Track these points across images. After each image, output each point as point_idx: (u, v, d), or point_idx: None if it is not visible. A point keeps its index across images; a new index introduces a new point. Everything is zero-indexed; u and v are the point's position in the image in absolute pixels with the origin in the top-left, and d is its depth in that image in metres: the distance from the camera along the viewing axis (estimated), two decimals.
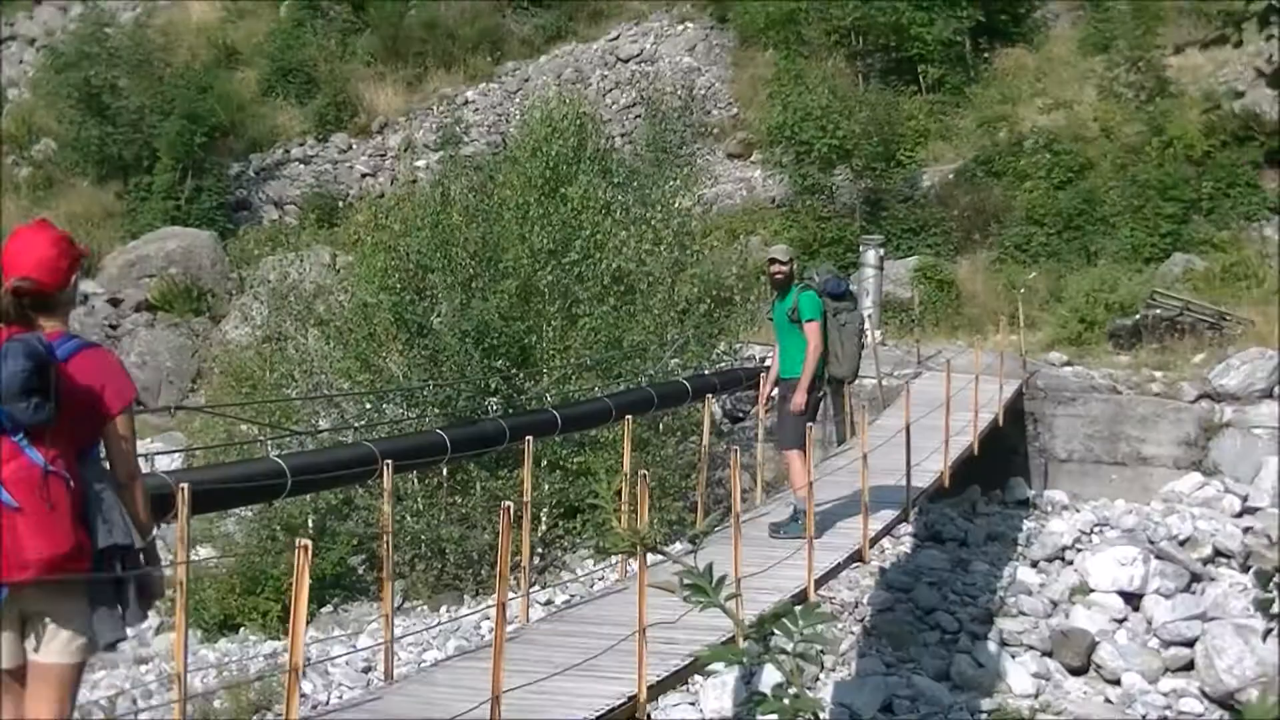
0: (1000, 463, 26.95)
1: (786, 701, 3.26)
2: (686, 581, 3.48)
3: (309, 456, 12.24)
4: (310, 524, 24.14)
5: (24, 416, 7.03)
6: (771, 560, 15.17)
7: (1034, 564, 24.88)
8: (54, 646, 7.21)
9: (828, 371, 17.85)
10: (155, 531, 7.44)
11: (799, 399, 17.15)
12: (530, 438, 14.57)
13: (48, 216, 33.80)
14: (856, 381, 19.81)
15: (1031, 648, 22.49)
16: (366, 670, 21.48)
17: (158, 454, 27.35)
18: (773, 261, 17.78)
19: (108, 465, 7.58)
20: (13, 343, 7.06)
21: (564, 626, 13.86)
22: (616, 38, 49.30)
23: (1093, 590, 23.61)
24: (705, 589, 3.44)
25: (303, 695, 17.90)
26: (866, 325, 19.16)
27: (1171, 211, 36.03)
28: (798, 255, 19.37)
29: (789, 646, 3.38)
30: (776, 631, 3.40)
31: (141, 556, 7.46)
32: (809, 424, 17.09)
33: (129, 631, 7.60)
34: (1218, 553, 24.42)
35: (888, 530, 19.35)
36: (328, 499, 24.64)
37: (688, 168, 37.45)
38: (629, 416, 16.48)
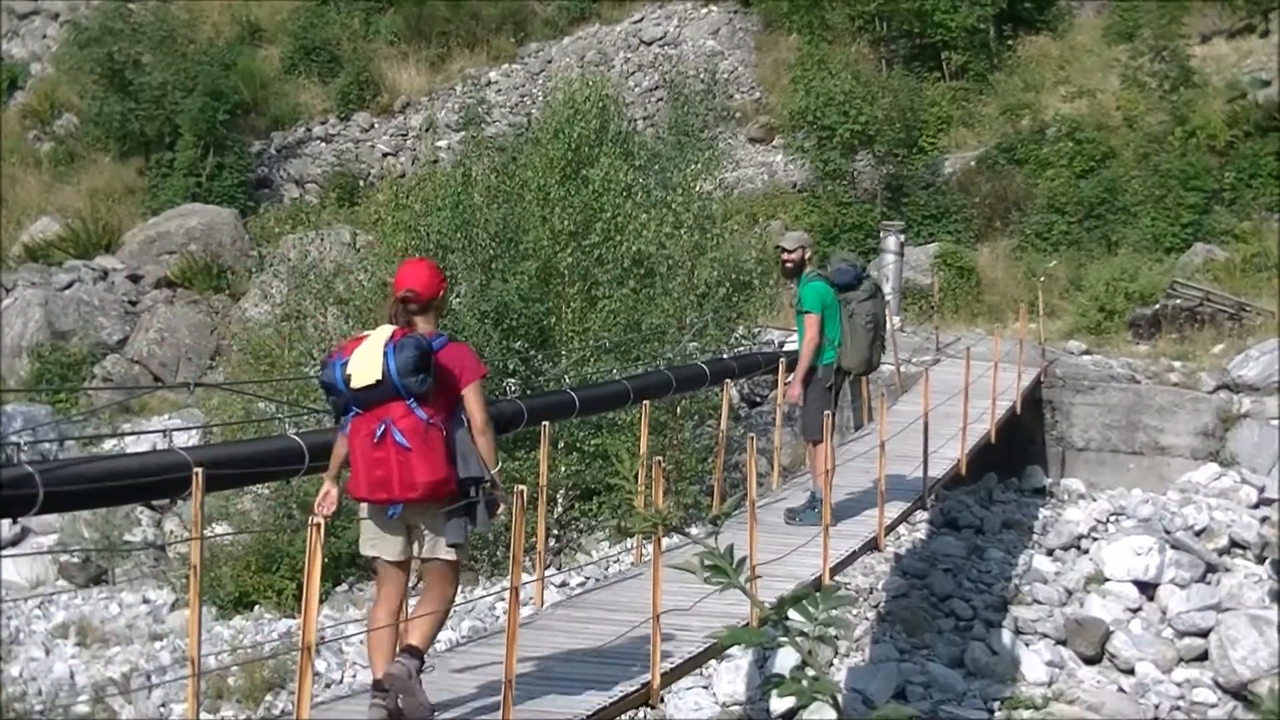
0: (1017, 451, 26.93)
1: (804, 684, 3.24)
2: (707, 563, 3.47)
3: (327, 434, 12.26)
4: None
5: (414, 387, 10.10)
6: (787, 547, 15.15)
7: (1049, 552, 24.86)
8: (432, 548, 10.40)
9: (839, 362, 17.63)
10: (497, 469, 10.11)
11: (792, 391, 17.53)
12: (546, 421, 14.58)
13: (70, 192, 33.91)
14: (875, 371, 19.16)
15: (1046, 636, 22.48)
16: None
17: (176, 430, 27.44)
18: (780, 249, 17.87)
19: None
20: (406, 339, 10.19)
21: (578, 612, 13.82)
22: (640, 20, 49.26)
23: (1108, 579, 23.60)
24: (726, 570, 3.43)
25: (316, 674, 17.89)
26: (887, 314, 18.44)
27: (1193, 201, 36.02)
28: (812, 243, 18.97)
29: (808, 629, 3.36)
30: (795, 614, 3.38)
31: (487, 485, 10.61)
32: (826, 412, 17.05)
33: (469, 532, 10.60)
34: (1234, 543, 24.38)
35: (904, 517, 19.35)
36: (345, 477, 24.63)
37: (709, 151, 37.37)
38: (646, 400, 16.47)
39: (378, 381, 10.03)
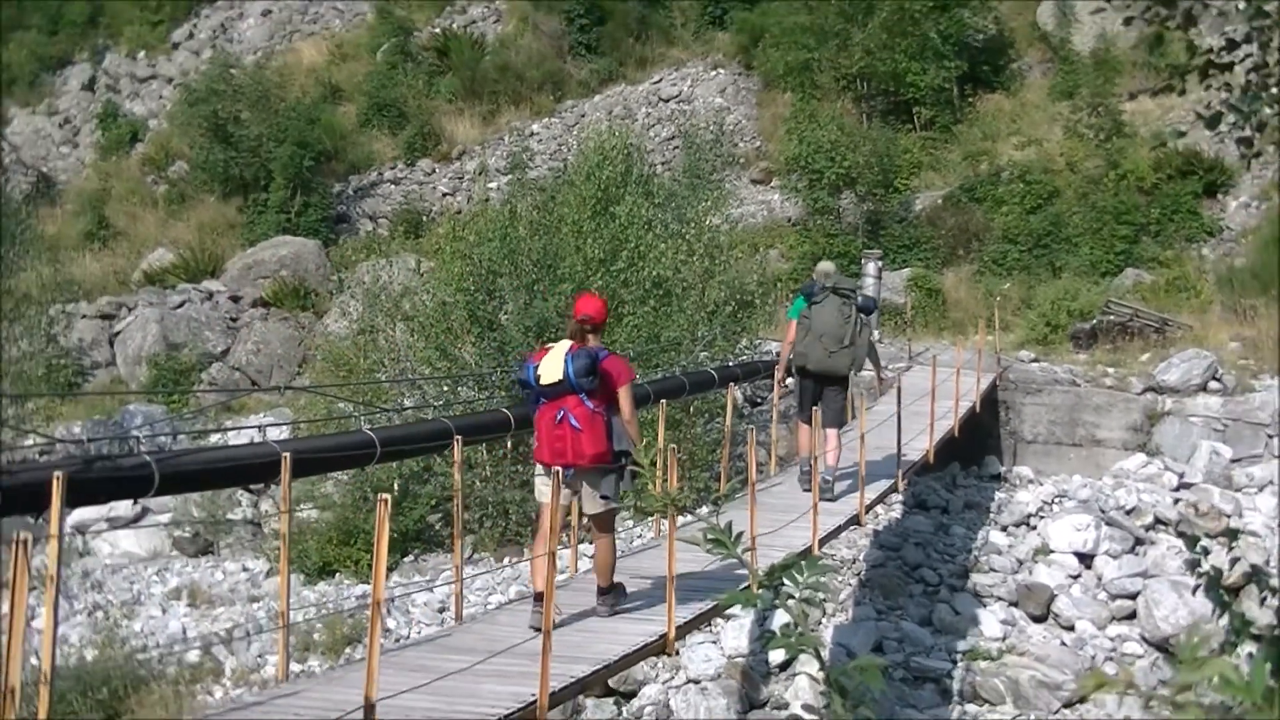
0: (977, 443, 26.93)
1: (794, 639, 3.25)
2: (710, 537, 3.50)
3: (395, 430, 12.31)
4: (395, 487, 24.17)
5: (584, 385, 12.03)
6: (781, 522, 15.19)
7: (1003, 528, 24.84)
8: (593, 503, 12.26)
9: (798, 362, 18.10)
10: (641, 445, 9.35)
11: (777, 377, 19.54)
12: None
13: (181, 226, 33.72)
14: (852, 373, 18.46)
15: (1000, 599, 22.46)
16: (441, 611, 21.51)
17: (269, 425, 27.45)
18: None
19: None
20: (581, 350, 12.16)
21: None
22: (659, 81, 49.26)
23: (1052, 551, 23.58)
24: (725, 543, 3.46)
25: (386, 630, 17.86)
26: (834, 324, 17.90)
27: (1124, 233, 36.02)
28: (827, 270, 18.60)
29: (796, 593, 3.37)
30: (786, 580, 3.39)
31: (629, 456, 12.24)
32: (813, 406, 17.75)
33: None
34: (1158, 520, 24.38)
35: (881, 499, 19.37)
36: (410, 466, 24.68)
37: (717, 191, 37.42)
38: (664, 400, 16.45)
39: (560, 380, 12.02)
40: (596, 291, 26.29)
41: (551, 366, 12.12)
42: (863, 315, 18.29)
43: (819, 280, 18.48)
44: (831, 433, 18.11)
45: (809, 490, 16.73)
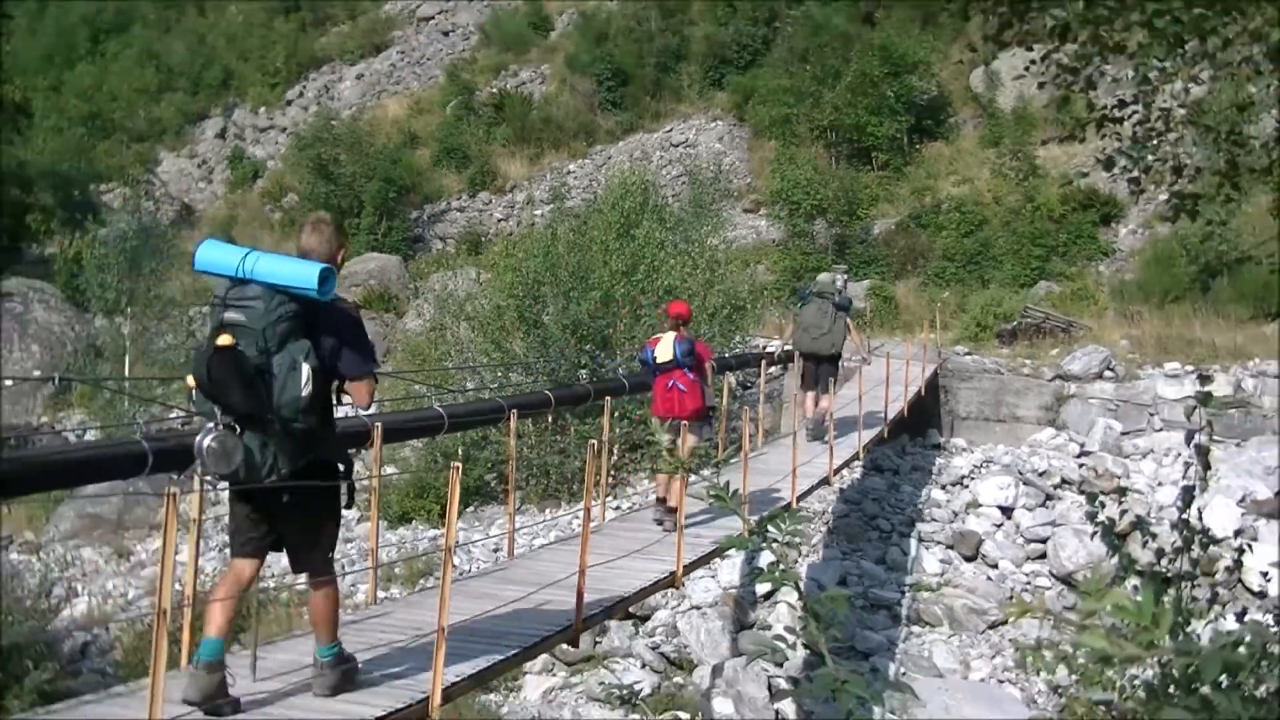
0: (922, 419, 26.90)
1: (778, 575, 3.29)
2: (713, 493, 3.55)
3: (459, 407, 12.38)
4: (460, 451, 24.20)
5: (687, 362, 13.41)
6: (767, 482, 15.22)
7: (943, 487, 24.82)
8: (689, 443, 13.10)
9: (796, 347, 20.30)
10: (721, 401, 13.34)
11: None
12: (608, 397, 14.74)
13: (291, 245, 33.87)
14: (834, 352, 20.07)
15: (939, 543, 22.44)
16: (495, 551, 21.54)
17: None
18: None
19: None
20: (683, 339, 13.60)
21: (627, 524, 13.91)
22: (670, 130, 49.24)
23: (980, 505, 23.56)
24: (724, 498, 3.51)
25: (452, 566, 17.95)
26: (814, 318, 19.23)
27: (1038, 253, 36.00)
28: (829, 280, 21.49)
29: (780, 538, 3.41)
30: (771, 528, 3.42)
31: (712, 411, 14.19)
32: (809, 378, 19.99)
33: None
34: (1063, 481, 24.37)
35: (846, 464, 19.34)
36: (471, 436, 24.73)
37: (716, 218, 37.48)
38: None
39: (670, 359, 13.48)
40: (620, 297, 26.50)
41: (663, 350, 13.58)
42: (840, 311, 19.67)
43: (810, 287, 20.61)
44: (823, 395, 19.72)
45: (813, 440, 19.20)
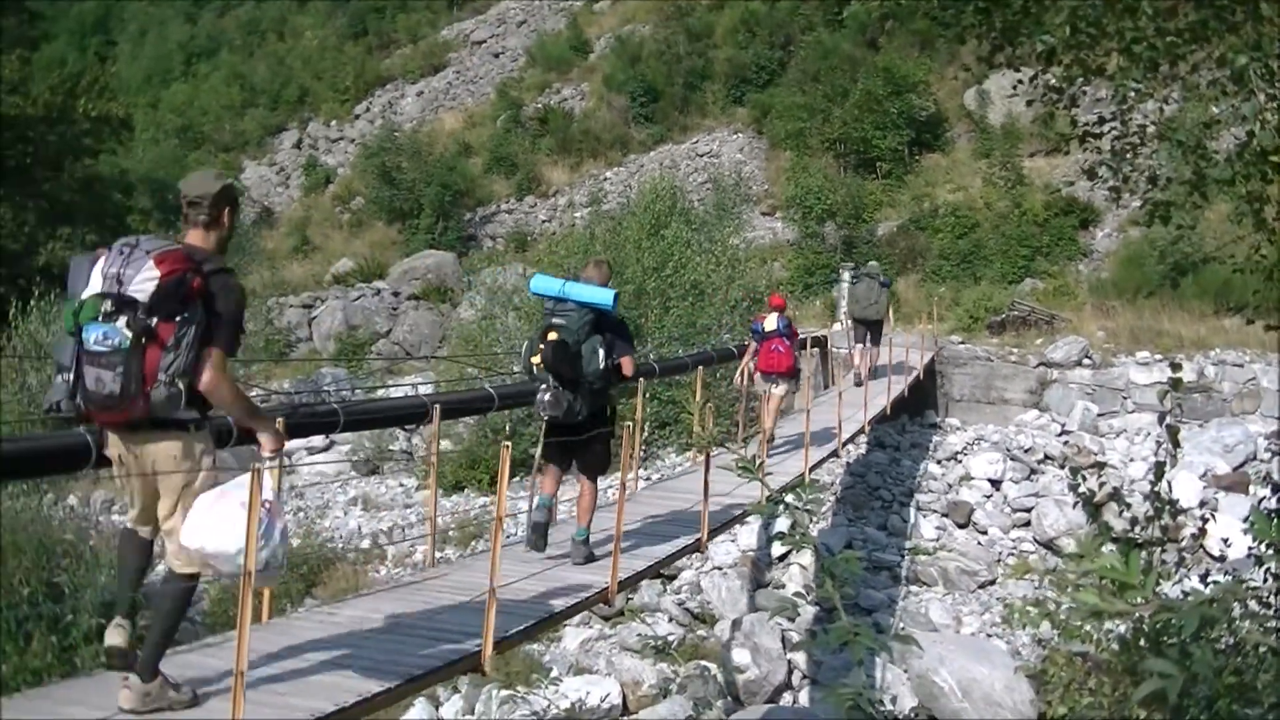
0: (920, 400, 26.87)
1: (798, 538, 3.29)
2: (740, 465, 3.58)
3: (507, 388, 12.38)
4: (507, 428, 24.23)
5: (785, 333, 16.20)
6: (784, 455, 15.22)
7: (938, 461, 24.79)
8: (779, 391, 16.28)
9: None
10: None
11: None
12: (641, 379, 14.65)
13: (359, 243, 33.68)
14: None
15: (935, 511, 22.42)
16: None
17: (419, 384, 27.50)
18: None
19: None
20: (782, 316, 16.39)
21: (658, 494, 13.85)
22: (697, 141, 49.10)
23: (972, 478, 23.53)
24: (751, 469, 3.53)
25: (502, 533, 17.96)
26: (865, 293, 23.29)
27: (1024, 253, 35.82)
28: (874, 269, 24.29)
29: (799, 506, 3.42)
30: (789, 497, 3.44)
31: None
32: (860, 342, 23.29)
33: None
34: (1046, 457, 24.32)
35: (852, 439, 19.32)
36: (517, 413, 24.74)
37: (737, 220, 37.42)
38: (700, 367, 16.48)
39: (774, 330, 16.24)
40: (651, 290, 26.51)
41: (769, 324, 16.37)
42: (883, 288, 23.17)
43: (862, 270, 24.67)
44: (874, 349, 23.32)
45: (859, 385, 21.93)
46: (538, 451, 9.93)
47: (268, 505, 5.63)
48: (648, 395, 23.82)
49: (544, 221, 47.55)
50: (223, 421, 7.03)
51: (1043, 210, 36.91)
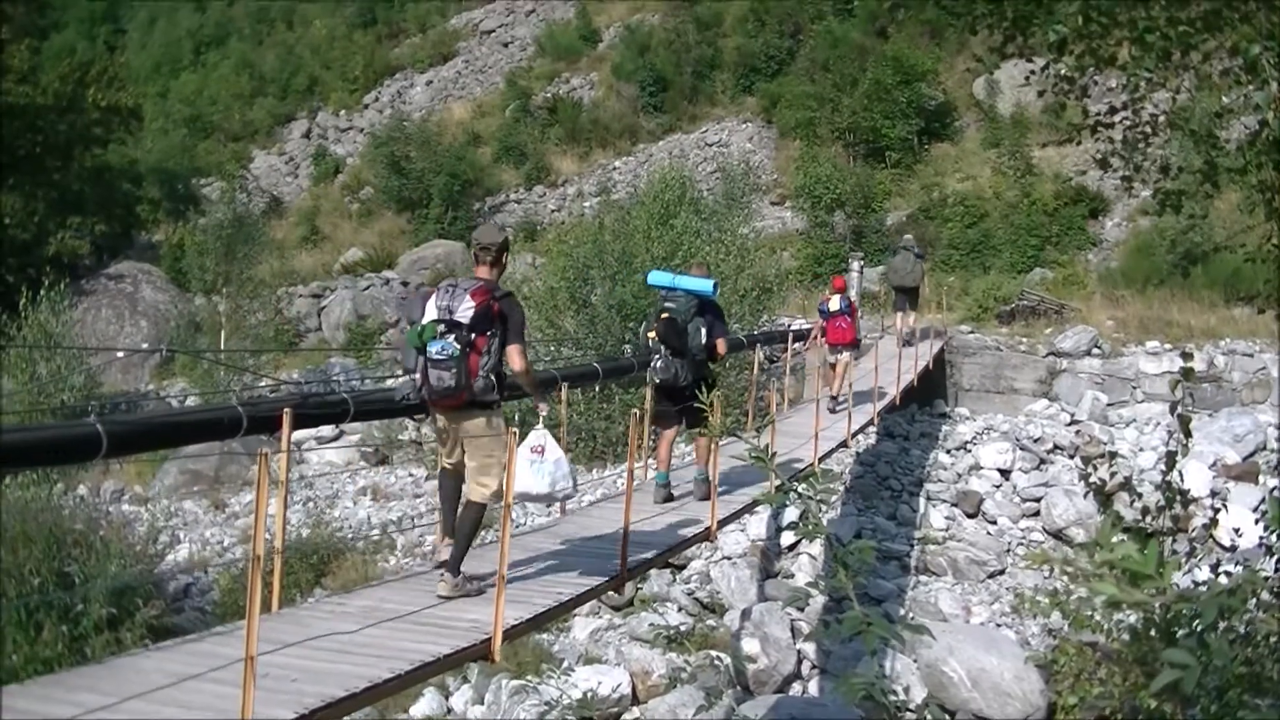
0: (930, 390, 26.83)
1: (810, 528, 3.29)
2: (753, 454, 3.58)
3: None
4: (517, 418, 24.23)
5: (845, 311, 18.73)
6: (793, 445, 15.16)
7: (948, 451, 24.74)
8: (844, 358, 18.88)
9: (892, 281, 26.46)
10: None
11: None
12: (650, 369, 14.67)
13: (368, 233, 33.75)
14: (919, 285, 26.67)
15: (944, 501, 22.38)
16: (547, 508, 21.56)
17: None
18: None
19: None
20: (844, 298, 19.03)
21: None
22: (705, 131, 49.08)
23: (982, 467, 23.49)
24: (763, 459, 3.54)
25: (510, 521, 17.96)
26: (903, 263, 25.84)
27: (1034, 243, 35.81)
28: (912, 242, 26.88)
29: (812, 495, 3.41)
30: (800, 486, 3.43)
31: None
32: (899, 310, 26.19)
33: None
34: (1056, 446, 24.28)
35: (862, 429, 19.29)
36: (527, 404, 24.70)
37: (746, 210, 37.40)
38: (611, 377, 16.54)
39: (838, 309, 18.89)
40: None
41: (833, 304, 19.23)
42: (919, 259, 25.83)
43: (899, 244, 27.48)
44: (912, 313, 26.13)
45: (905, 345, 24.92)
46: (646, 420, 12.36)
47: (541, 448, 8.39)
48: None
49: (553, 211, 47.57)
50: (232, 413, 7.08)
51: (1052, 200, 36.88)
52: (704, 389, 11.34)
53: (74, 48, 52.31)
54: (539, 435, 8.44)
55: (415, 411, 8.96)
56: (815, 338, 19.97)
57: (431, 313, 8.08)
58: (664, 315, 11.79)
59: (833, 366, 19.75)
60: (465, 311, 7.96)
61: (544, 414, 8.57)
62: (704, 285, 12.01)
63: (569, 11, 61.76)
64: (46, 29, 47.47)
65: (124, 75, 47.35)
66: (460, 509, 8.36)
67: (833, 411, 18.59)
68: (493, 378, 8.01)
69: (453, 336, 7.89)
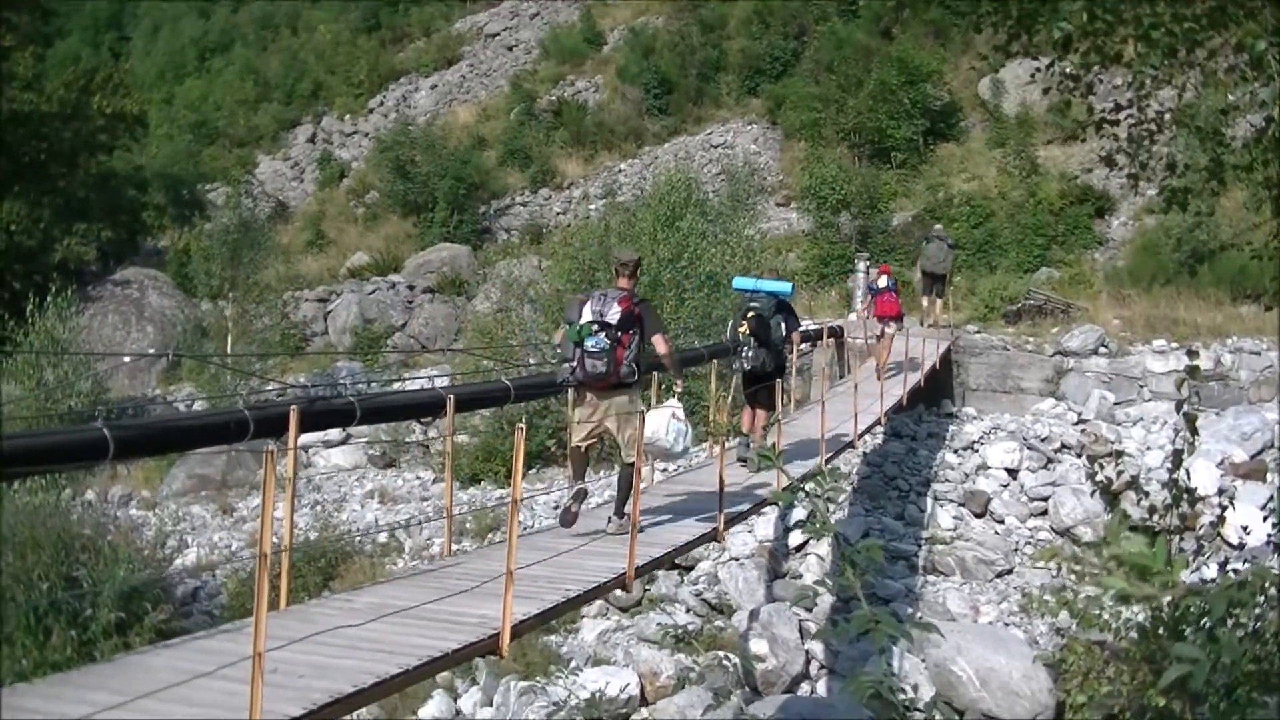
0: (937, 390, 26.79)
1: (818, 528, 3.28)
2: (761, 454, 3.58)
3: (523, 380, 12.35)
4: (523, 420, 24.26)
5: (892, 289, 22.50)
6: (801, 445, 15.16)
7: (955, 451, 24.74)
8: (890, 330, 22.42)
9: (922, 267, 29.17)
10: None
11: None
12: (655, 372, 14.64)
13: (374, 236, 33.85)
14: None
15: (952, 500, 22.39)
16: (555, 508, 21.56)
17: (435, 376, 27.53)
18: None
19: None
20: (889, 279, 22.93)
21: (675, 485, 13.85)
22: (711, 133, 49.01)
23: (989, 467, 23.49)
24: (771, 458, 3.53)
25: (518, 520, 18.00)
26: (934, 251, 28.22)
27: (1040, 242, 35.73)
28: (948, 236, 29.60)
29: (820, 495, 3.40)
30: (810, 486, 3.42)
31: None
32: (927, 294, 29.09)
33: None
34: (1063, 445, 24.26)
35: (869, 429, 19.28)
36: (533, 406, 24.76)
37: (751, 211, 37.39)
38: (715, 359, 16.46)
39: (886, 286, 21.43)
40: (667, 282, 26.52)
41: (881, 283, 22.68)
42: (950, 248, 28.43)
43: (931, 233, 29.55)
44: (939, 299, 28.64)
45: (932, 326, 27.76)
46: (729, 399, 15.41)
47: (677, 415, 10.86)
48: (663, 387, 23.87)
49: (558, 214, 47.54)
50: (239, 416, 7.10)
51: (1058, 199, 36.83)
52: (781, 374, 14.36)
53: (79, 55, 52.46)
54: (676, 404, 10.93)
55: (425, 413, 9.45)
56: (862, 313, 24.03)
57: (587, 315, 10.27)
58: (750, 314, 14.10)
59: (878, 337, 23.10)
60: (613, 314, 10.20)
61: (679, 389, 11.12)
62: (784, 287, 14.46)
63: (573, 14, 61.75)
64: (51, 36, 47.49)
65: (129, 82, 47.35)
66: (618, 471, 11.06)
67: (880, 380, 21.54)
68: (634, 365, 10.31)
69: (604, 334, 10.13)
